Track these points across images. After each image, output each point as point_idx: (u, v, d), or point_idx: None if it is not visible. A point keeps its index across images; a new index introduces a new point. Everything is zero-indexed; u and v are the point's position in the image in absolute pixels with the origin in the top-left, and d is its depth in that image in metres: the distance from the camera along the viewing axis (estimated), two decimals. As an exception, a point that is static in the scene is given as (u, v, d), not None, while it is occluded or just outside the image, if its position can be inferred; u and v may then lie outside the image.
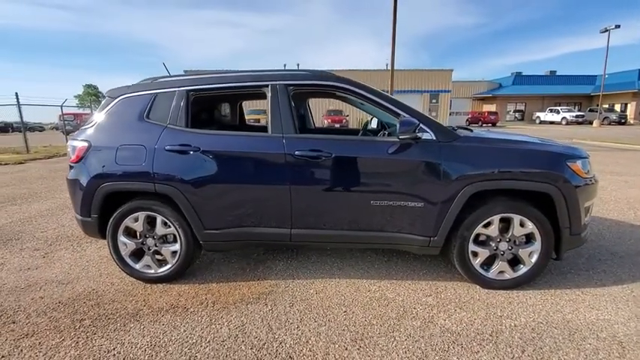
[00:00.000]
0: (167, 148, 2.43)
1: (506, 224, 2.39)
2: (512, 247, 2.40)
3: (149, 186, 2.44)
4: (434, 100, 29.10)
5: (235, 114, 3.88)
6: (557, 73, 41.87)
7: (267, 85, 2.52)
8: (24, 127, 12.81)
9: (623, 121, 29.21)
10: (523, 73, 41.40)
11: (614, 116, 29.79)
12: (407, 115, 2.35)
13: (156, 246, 2.57)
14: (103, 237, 2.60)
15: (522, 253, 2.39)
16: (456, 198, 2.29)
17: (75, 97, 61.59)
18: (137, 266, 2.59)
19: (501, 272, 2.44)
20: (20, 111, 12.19)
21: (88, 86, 62.56)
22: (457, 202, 2.29)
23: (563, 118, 30.52)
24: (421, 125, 2.33)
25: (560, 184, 2.26)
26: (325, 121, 20.32)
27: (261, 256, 3.10)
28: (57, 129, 31.62)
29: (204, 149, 2.41)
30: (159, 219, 2.52)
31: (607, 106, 33.45)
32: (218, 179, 2.43)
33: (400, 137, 2.30)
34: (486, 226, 2.37)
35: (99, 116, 2.63)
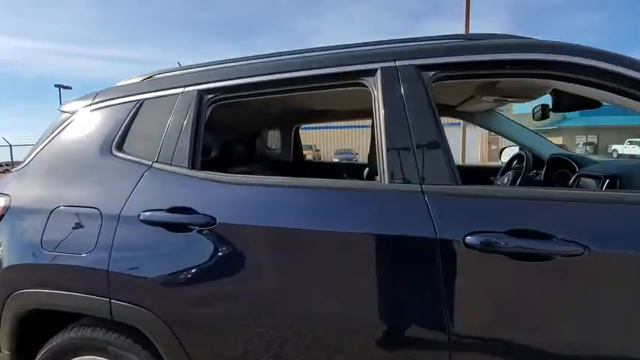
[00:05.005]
0: (143, 216, 1.05)
1: None
2: None
3: (100, 304, 1.05)
4: (492, 134, 26.71)
5: (288, 143, 2.46)
6: (633, 102, 37.44)
7: (373, 70, 1.09)
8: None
9: None
10: (590, 103, 37.57)
11: None
12: None
13: None
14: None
15: None
16: None
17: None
18: None
19: None
20: None
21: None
22: None
23: (649, 150, 26.15)
24: None
25: None
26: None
27: None
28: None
29: (224, 221, 1.00)
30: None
31: None
32: (254, 295, 0.98)
33: None
34: None
35: (37, 148, 1.36)
